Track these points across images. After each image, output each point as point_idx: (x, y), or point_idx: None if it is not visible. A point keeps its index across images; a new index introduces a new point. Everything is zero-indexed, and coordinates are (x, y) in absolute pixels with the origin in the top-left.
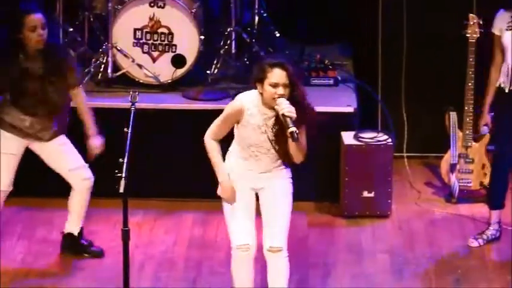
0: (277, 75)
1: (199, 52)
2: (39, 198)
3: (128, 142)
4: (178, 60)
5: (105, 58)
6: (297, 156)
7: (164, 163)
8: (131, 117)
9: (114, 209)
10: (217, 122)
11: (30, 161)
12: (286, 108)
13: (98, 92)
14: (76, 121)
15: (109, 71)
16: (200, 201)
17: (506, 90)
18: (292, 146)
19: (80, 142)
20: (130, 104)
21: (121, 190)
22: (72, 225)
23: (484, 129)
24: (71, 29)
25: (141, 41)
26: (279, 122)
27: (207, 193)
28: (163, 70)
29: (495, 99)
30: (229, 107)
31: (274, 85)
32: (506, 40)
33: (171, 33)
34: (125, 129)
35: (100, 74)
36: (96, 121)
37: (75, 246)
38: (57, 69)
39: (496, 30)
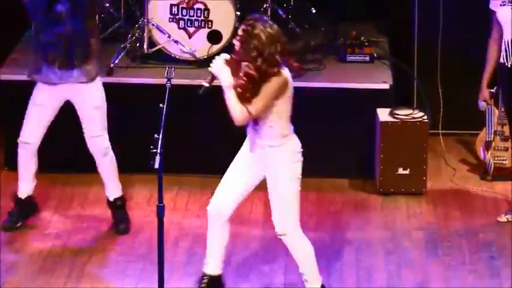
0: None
1: (235, 28)
2: (74, 173)
3: (163, 118)
4: (214, 36)
5: (141, 34)
6: (231, 112)
7: (199, 139)
8: (166, 93)
9: (149, 185)
10: None
11: (66, 137)
12: (213, 65)
13: (134, 67)
14: None
15: (145, 46)
16: None
17: (509, 65)
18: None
19: None
20: (166, 79)
21: (156, 166)
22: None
23: (482, 105)
24: (107, 4)
25: (177, 17)
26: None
27: None
28: (199, 46)
29: (498, 76)
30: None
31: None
32: (501, 16)
33: (207, 9)
34: (160, 105)
35: (136, 50)
36: (132, 97)
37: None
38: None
39: (492, 6)
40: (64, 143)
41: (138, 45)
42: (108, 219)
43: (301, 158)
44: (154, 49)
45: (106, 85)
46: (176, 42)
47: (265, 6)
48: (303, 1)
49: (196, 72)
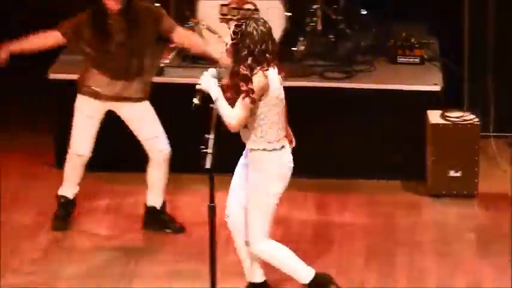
0: (233, 24)
1: (285, 29)
2: (125, 173)
3: (214, 118)
4: None
5: None
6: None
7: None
8: None
9: (200, 185)
10: None
11: (117, 136)
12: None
13: (184, 67)
14: None
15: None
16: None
17: None
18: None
19: None
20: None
21: (207, 166)
22: (155, 199)
23: None
24: (158, 4)
25: (227, 17)
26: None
27: (295, 171)
28: None
29: None
30: None
31: None
32: None
33: (257, 9)
34: (211, 105)
35: (186, 50)
36: (182, 97)
37: (157, 221)
38: (143, 27)
39: None
40: (116, 142)
41: None
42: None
43: (285, 177)
44: None
45: (156, 84)
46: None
47: (315, 7)
48: (353, 2)
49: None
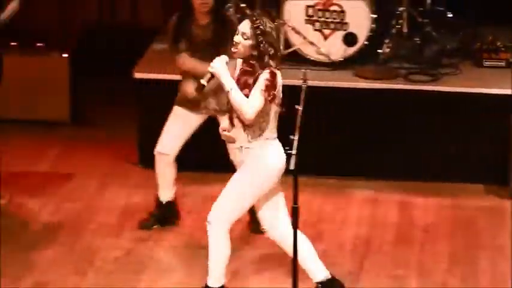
0: (243, 23)
1: (371, 31)
2: (208, 173)
3: (299, 119)
4: (349, 39)
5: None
6: (238, 112)
7: (333, 141)
8: (302, 95)
9: (284, 186)
10: None
11: (199, 137)
12: (213, 65)
13: None
14: None
15: (280, 47)
16: (370, 180)
17: None
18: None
19: None
20: (301, 81)
21: (291, 167)
22: None
23: None
24: (243, 5)
25: (312, 18)
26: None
27: (377, 172)
28: (335, 48)
29: None
30: None
31: (238, 31)
32: None
33: (343, 11)
34: (296, 106)
35: None
36: None
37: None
38: (224, 40)
39: None
40: (201, 143)
41: None
42: (242, 219)
43: (278, 173)
44: (289, 50)
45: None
46: (311, 43)
47: (401, 9)
48: (439, 5)
49: (332, 74)
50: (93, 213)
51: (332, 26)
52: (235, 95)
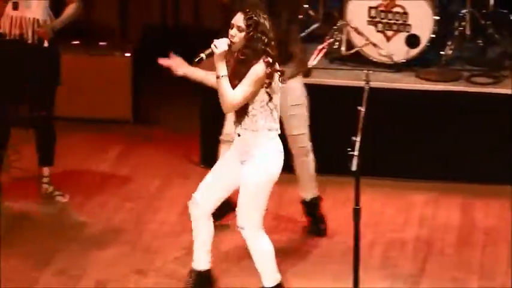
0: (236, 16)
1: (434, 33)
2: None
3: (361, 120)
4: (412, 40)
5: (339, 36)
6: (220, 100)
7: (395, 143)
8: (365, 96)
9: (345, 187)
10: None
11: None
12: (215, 45)
13: (331, 69)
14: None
15: (343, 48)
16: (431, 183)
17: None
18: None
19: None
20: (364, 82)
21: (353, 168)
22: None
23: None
24: (306, 6)
25: (375, 20)
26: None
27: (438, 174)
28: (397, 49)
29: None
30: None
31: (232, 26)
32: None
33: (405, 13)
34: (359, 108)
35: (334, 52)
36: (328, 98)
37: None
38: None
39: None
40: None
41: (336, 47)
42: (304, 220)
43: (275, 170)
44: (352, 51)
45: (304, 86)
46: (374, 45)
47: (464, 11)
48: (503, 7)
49: (394, 76)
50: (153, 213)
51: (395, 27)
52: (224, 82)
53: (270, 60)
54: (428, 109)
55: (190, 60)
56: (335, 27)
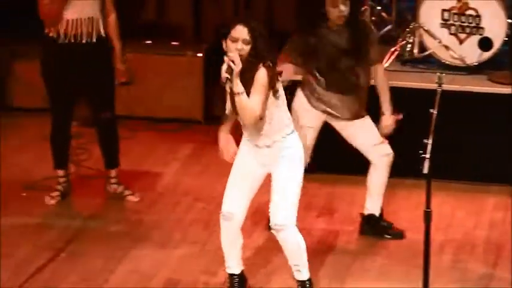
0: (238, 30)
1: (507, 36)
2: (339, 174)
3: (433, 123)
4: (485, 43)
5: (412, 38)
6: (241, 115)
7: (467, 146)
8: (437, 99)
9: (416, 190)
10: None
11: (330, 138)
12: (229, 59)
13: (404, 71)
14: (372, 99)
15: (415, 51)
16: (502, 186)
17: None
18: (236, 101)
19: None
20: (436, 85)
21: (425, 171)
22: (373, 206)
23: None
24: (379, 8)
25: (448, 22)
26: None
27: (510, 178)
28: (470, 52)
29: None
30: None
31: (235, 40)
32: None
33: (478, 16)
34: (431, 110)
35: (406, 54)
36: (400, 100)
37: (375, 227)
38: (361, 45)
39: None
40: (335, 144)
41: (408, 49)
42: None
43: (303, 164)
44: (424, 54)
45: (375, 88)
46: (447, 48)
47: None
48: None
49: (466, 79)
50: None
51: (467, 30)
52: (244, 97)
53: (270, 64)
54: (500, 112)
55: None
56: (408, 29)
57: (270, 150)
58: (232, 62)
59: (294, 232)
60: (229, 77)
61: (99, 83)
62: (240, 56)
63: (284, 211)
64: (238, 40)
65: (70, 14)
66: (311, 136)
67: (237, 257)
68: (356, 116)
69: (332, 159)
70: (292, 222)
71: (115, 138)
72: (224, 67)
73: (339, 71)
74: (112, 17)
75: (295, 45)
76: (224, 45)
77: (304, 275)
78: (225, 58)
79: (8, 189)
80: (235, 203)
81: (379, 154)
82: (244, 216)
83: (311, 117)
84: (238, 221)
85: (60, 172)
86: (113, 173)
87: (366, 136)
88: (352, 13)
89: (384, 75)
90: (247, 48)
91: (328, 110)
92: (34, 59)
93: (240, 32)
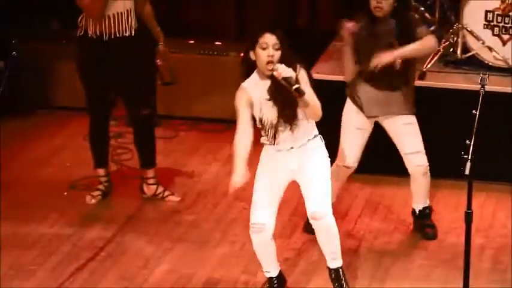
0: (267, 37)
1: None
2: (381, 175)
3: (475, 124)
4: None
5: (455, 39)
6: (310, 114)
7: (509, 147)
8: (480, 100)
9: (457, 191)
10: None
11: (377, 139)
12: (283, 70)
13: (446, 72)
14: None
15: (458, 51)
16: None
17: None
18: (302, 104)
19: None
20: (479, 86)
21: (466, 172)
22: (417, 204)
23: None
24: (422, 8)
25: (491, 23)
26: (279, 87)
27: None
28: None
29: None
30: (236, 99)
31: (265, 46)
32: None
33: None
34: (473, 111)
35: (449, 55)
36: (443, 101)
37: (420, 223)
38: (405, 35)
39: None
40: (375, 145)
41: (451, 50)
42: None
43: None
44: (467, 55)
45: (418, 89)
46: (490, 49)
47: None
48: None
49: (509, 80)
50: None
51: (511, 31)
52: (310, 95)
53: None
54: None
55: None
56: (451, 30)
57: (298, 153)
58: (289, 77)
59: (332, 219)
60: (298, 85)
61: (135, 78)
62: (274, 62)
63: (322, 198)
64: (269, 47)
65: (108, 9)
66: (361, 138)
67: (273, 262)
68: (401, 111)
69: (374, 159)
70: (331, 209)
71: (151, 137)
72: (291, 81)
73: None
74: (147, 8)
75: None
76: (252, 56)
77: (338, 262)
78: (282, 74)
79: (50, 189)
80: (265, 213)
81: (412, 164)
82: (274, 224)
83: (359, 117)
84: (269, 231)
85: (101, 171)
86: (150, 173)
87: (403, 140)
88: (397, 7)
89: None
90: (277, 54)
91: (375, 104)
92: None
93: (269, 39)
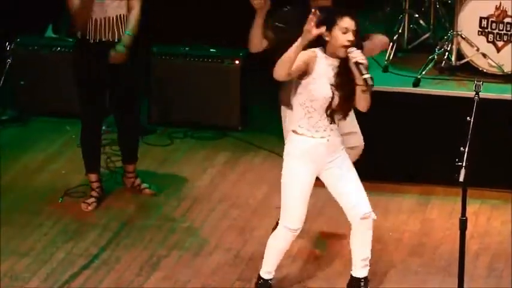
0: (348, 21)
1: None
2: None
3: (470, 131)
4: None
5: (450, 46)
6: (364, 104)
7: (504, 154)
8: (474, 106)
9: (451, 198)
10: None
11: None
12: (359, 56)
13: (441, 79)
14: None
15: (453, 58)
16: None
17: None
18: (362, 93)
19: None
20: (474, 93)
21: (461, 179)
22: None
23: None
24: (417, 15)
25: (486, 30)
26: (344, 71)
27: None
28: (508, 60)
29: None
30: (303, 52)
31: (345, 31)
32: None
33: None
34: (468, 118)
35: (443, 62)
36: (437, 108)
37: None
38: None
39: None
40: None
41: (446, 57)
42: (410, 231)
43: None
44: (462, 61)
45: (412, 95)
46: (484, 55)
47: None
48: None
49: (504, 87)
50: (260, 220)
51: (505, 38)
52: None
53: None
54: None
55: None
56: (445, 37)
57: (330, 146)
58: (363, 63)
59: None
60: (369, 75)
61: (124, 82)
62: (349, 46)
63: (366, 199)
64: (349, 31)
65: (97, 13)
66: None
67: (277, 264)
68: None
69: (368, 167)
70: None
71: (135, 137)
72: (363, 69)
73: None
74: (134, 11)
75: None
76: (327, 36)
77: (367, 270)
78: (356, 59)
79: (45, 196)
80: (302, 218)
81: None
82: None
83: None
84: (297, 233)
85: (92, 177)
86: (131, 168)
87: None
88: None
89: None
90: (355, 39)
91: None
92: None
93: (350, 24)
